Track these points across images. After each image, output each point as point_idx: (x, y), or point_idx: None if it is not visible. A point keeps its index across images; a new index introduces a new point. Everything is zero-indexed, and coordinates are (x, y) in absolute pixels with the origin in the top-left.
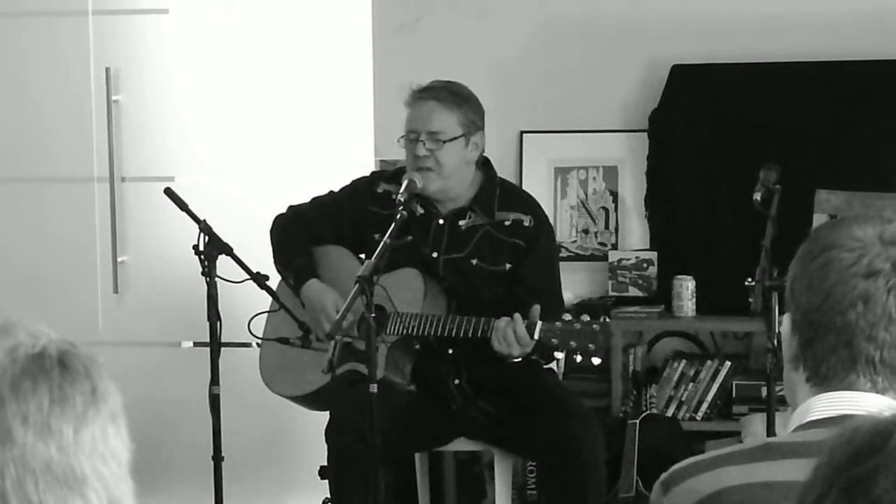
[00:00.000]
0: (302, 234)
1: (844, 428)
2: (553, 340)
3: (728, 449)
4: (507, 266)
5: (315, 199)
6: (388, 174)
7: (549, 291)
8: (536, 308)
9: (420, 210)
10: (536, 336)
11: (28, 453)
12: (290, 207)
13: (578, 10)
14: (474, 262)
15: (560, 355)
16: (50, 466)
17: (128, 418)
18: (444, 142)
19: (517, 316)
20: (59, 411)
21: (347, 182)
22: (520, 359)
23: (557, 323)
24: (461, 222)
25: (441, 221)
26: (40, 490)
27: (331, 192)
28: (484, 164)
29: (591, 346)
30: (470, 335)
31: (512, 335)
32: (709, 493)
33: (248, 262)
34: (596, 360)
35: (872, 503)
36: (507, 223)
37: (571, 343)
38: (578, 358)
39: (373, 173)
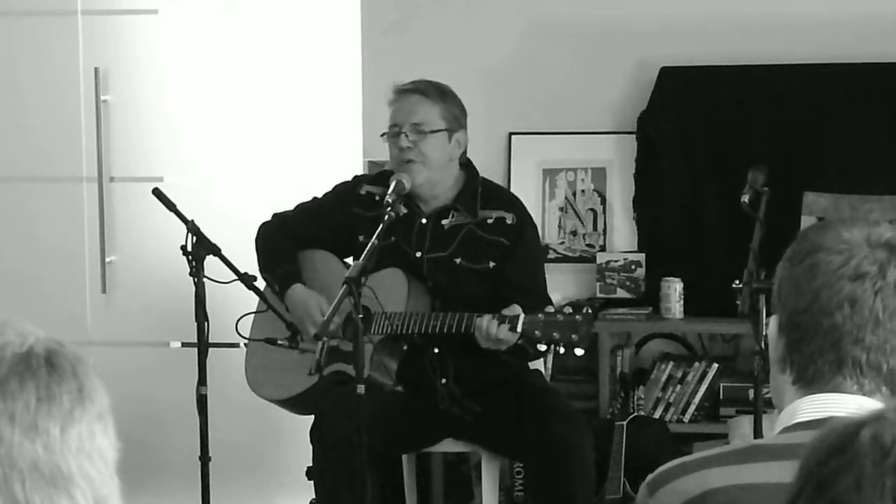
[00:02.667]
0: (286, 240)
1: (823, 429)
2: (536, 332)
3: (714, 450)
4: (491, 264)
5: (300, 206)
6: (371, 176)
7: (534, 290)
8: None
9: (403, 210)
10: (519, 329)
11: (15, 452)
12: (275, 215)
13: (567, 12)
14: (458, 261)
15: (543, 347)
16: (36, 465)
17: (115, 418)
18: (427, 133)
19: (494, 321)
20: (45, 410)
21: (331, 186)
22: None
23: (540, 315)
24: (444, 221)
25: (424, 221)
26: (27, 489)
27: (314, 198)
28: (466, 165)
29: (573, 336)
30: (454, 330)
31: (494, 334)
32: (695, 495)
33: (235, 263)
34: (579, 352)
35: (833, 501)
36: (489, 221)
37: (554, 334)
38: (562, 349)
39: (355, 176)
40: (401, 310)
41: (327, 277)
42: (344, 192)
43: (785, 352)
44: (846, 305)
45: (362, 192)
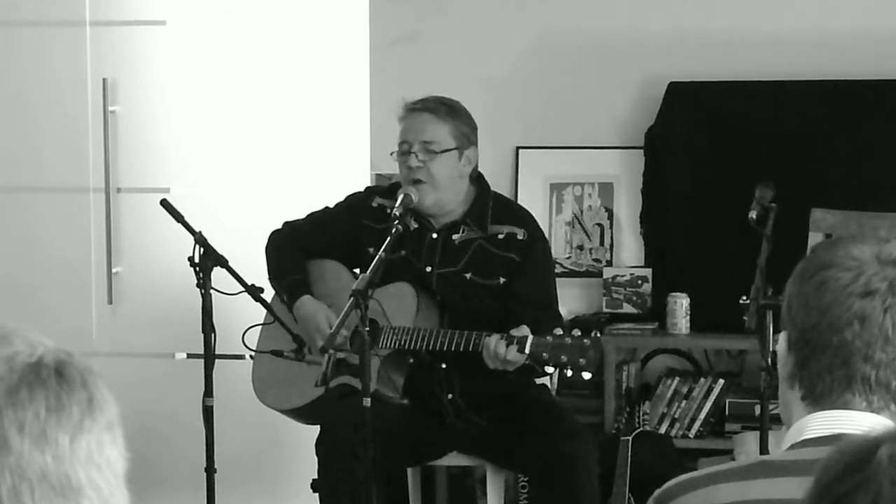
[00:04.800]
0: (297, 249)
1: (838, 446)
2: (544, 355)
3: (723, 466)
4: (501, 280)
5: (310, 215)
6: (383, 189)
7: (544, 305)
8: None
9: (414, 224)
10: (527, 350)
11: (24, 462)
12: (286, 223)
13: (575, 27)
14: (468, 276)
15: (551, 370)
16: (46, 475)
17: (121, 429)
18: (437, 153)
19: (503, 341)
20: (55, 420)
21: (343, 197)
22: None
23: (548, 337)
24: (455, 236)
25: (435, 235)
26: (36, 498)
27: (326, 207)
28: (477, 179)
29: (581, 360)
30: (461, 349)
31: (503, 355)
32: None
33: (243, 275)
34: (586, 375)
35: None
36: (500, 237)
37: (562, 357)
38: (569, 372)
39: (368, 188)
40: (409, 324)
41: (336, 287)
42: (355, 204)
43: (794, 368)
44: (856, 323)
45: (374, 204)
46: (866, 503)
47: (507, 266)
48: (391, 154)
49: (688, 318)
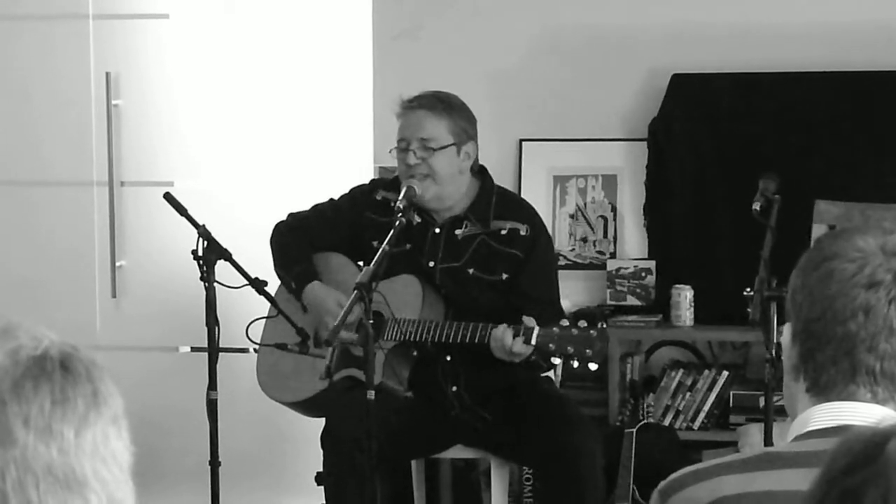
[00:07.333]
0: (302, 239)
1: (846, 437)
2: (550, 346)
3: (727, 458)
4: (504, 276)
5: (315, 207)
6: (387, 181)
7: (546, 302)
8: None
9: (417, 219)
10: (534, 342)
11: (29, 455)
12: (291, 214)
13: (578, 19)
14: (471, 271)
15: (557, 361)
16: (51, 468)
17: (126, 422)
18: (435, 150)
19: (509, 331)
20: (60, 413)
21: (347, 190)
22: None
23: (555, 328)
24: (457, 231)
25: (437, 230)
26: (41, 491)
27: (331, 199)
28: (480, 173)
29: (587, 351)
30: (468, 341)
31: (509, 346)
32: (708, 502)
33: (246, 268)
34: (593, 366)
35: None
36: (503, 232)
37: (568, 348)
38: (575, 363)
39: (372, 181)
40: (415, 317)
41: (342, 280)
42: (359, 196)
43: (798, 360)
44: (860, 314)
45: (378, 196)
46: (876, 497)
47: (509, 262)
48: (390, 151)
49: (692, 309)
